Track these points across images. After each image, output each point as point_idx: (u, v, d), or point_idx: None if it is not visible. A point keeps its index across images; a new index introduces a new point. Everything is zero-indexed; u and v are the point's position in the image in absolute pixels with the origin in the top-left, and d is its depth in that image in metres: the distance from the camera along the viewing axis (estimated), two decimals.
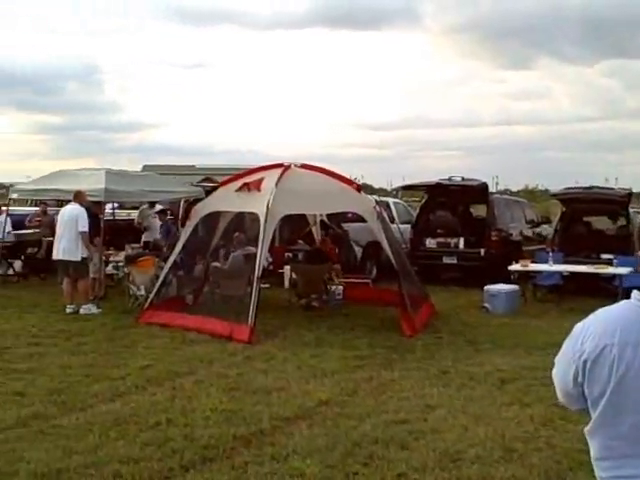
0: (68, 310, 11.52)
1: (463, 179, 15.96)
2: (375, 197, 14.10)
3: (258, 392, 7.02)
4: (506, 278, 13.01)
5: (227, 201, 11.39)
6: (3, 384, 7.21)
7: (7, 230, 14.72)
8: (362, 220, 11.82)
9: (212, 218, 11.90)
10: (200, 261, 12.44)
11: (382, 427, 5.97)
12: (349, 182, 12.00)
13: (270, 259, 12.92)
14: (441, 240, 16.13)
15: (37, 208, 17.39)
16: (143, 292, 11.85)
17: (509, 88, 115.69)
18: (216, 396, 6.84)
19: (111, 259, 13.54)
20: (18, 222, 16.15)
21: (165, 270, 11.58)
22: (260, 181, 10.77)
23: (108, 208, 15.36)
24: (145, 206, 16.07)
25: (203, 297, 11.65)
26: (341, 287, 12.83)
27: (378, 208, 11.40)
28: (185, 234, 11.74)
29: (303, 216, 13.78)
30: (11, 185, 16.17)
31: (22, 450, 5.33)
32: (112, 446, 5.44)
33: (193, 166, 24.47)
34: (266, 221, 10.07)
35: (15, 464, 5.06)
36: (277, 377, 7.60)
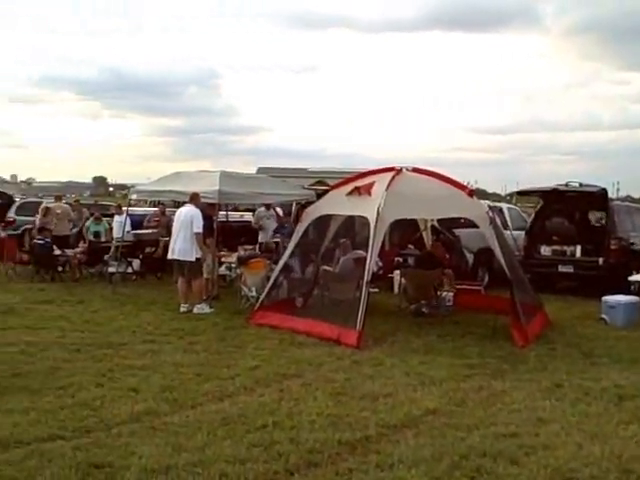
0: (182, 309, 11.84)
1: (581, 185, 15.48)
2: (488, 202, 13.83)
3: (365, 398, 6.97)
4: (626, 289, 12.49)
5: (338, 204, 11.43)
6: (119, 380, 7.46)
7: (127, 230, 15.30)
8: (474, 225, 11.58)
9: (323, 221, 11.98)
10: (310, 264, 12.52)
11: (491, 440, 5.80)
12: (461, 187, 11.76)
13: (380, 263, 12.84)
14: (557, 248, 15.73)
15: (156, 209, 18.03)
16: (254, 293, 12.05)
17: (631, 90, 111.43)
18: (322, 400, 6.85)
19: (224, 260, 13.82)
20: (137, 222, 16.80)
21: (276, 272, 11.72)
22: (371, 185, 10.74)
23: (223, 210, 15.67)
24: (262, 208, 16.33)
25: (312, 300, 11.71)
26: (451, 293, 12.61)
27: (491, 214, 11.14)
28: (296, 236, 11.85)
29: (414, 220, 13.64)
30: (132, 186, 16.84)
31: (134, 445, 5.47)
32: (219, 445, 5.52)
33: (305, 169, 24.91)
34: (376, 226, 10.03)
35: (128, 458, 5.20)
36: (384, 383, 7.53)
